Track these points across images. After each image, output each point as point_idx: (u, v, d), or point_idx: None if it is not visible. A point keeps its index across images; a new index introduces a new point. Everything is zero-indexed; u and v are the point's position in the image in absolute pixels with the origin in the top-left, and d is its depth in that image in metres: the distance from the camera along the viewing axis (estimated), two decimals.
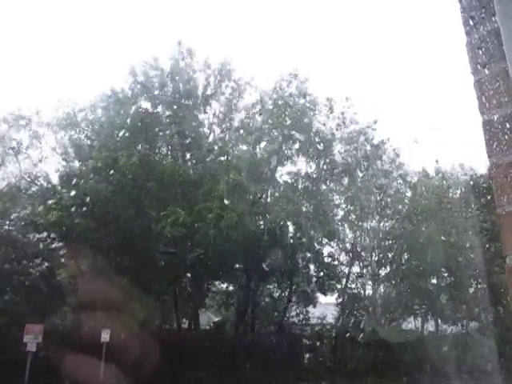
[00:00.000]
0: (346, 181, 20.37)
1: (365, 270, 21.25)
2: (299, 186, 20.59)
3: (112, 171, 16.40)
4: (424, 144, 29.22)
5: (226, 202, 16.47)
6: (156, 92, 20.30)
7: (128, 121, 17.86)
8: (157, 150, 19.68)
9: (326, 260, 20.62)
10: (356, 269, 21.28)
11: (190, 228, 15.74)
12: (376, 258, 21.19)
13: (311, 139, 19.62)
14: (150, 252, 16.87)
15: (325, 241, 20.71)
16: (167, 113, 19.90)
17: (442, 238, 18.80)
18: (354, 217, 21.33)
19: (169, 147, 20.10)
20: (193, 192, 17.65)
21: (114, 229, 16.79)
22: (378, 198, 20.89)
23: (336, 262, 21.02)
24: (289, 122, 19.05)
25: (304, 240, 19.72)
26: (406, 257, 20.67)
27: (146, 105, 20.03)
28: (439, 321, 21.22)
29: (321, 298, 20.98)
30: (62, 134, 19.56)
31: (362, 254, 21.36)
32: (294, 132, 19.25)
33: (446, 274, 20.04)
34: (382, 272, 21.06)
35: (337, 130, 20.36)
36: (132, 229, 16.73)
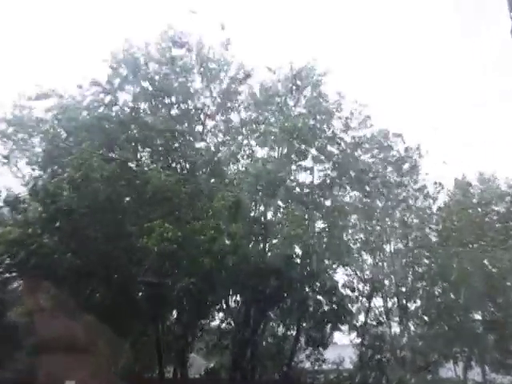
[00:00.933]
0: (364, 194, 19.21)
1: (390, 303, 19.99)
2: (309, 198, 19.45)
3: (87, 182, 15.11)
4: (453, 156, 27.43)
5: (221, 222, 15.50)
6: (141, 85, 18.78)
7: (105, 123, 16.70)
8: (140, 157, 18.39)
9: (342, 291, 19.36)
10: (379, 302, 20.19)
11: (180, 246, 14.85)
12: (403, 289, 19.93)
13: (326, 145, 18.34)
14: (128, 281, 15.76)
15: (340, 268, 19.69)
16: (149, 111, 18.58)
17: (486, 262, 17.01)
18: (373, 238, 19.96)
19: (154, 154, 18.58)
20: (183, 209, 16.58)
21: (86, 251, 15.52)
22: (405, 215, 19.44)
23: (354, 294, 19.73)
24: (300, 124, 17.97)
25: (315, 267, 18.21)
26: (442, 287, 19.41)
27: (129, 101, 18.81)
28: (486, 368, 19.42)
29: (336, 336, 19.80)
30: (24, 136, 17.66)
31: (386, 283, 20.08)
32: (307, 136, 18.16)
33: (492, 309, 18.33)
34: (412, 306, 19.92)
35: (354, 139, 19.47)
36: (108, 251, 15.54)
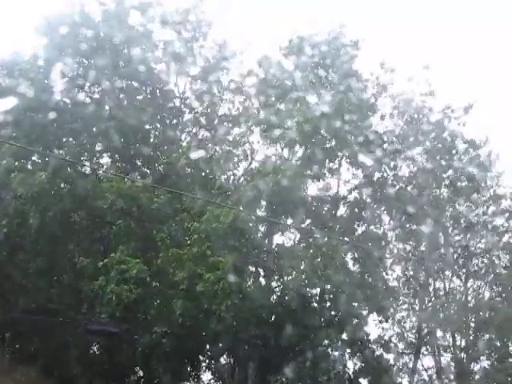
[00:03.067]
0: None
1: (444, 362, 19.31)
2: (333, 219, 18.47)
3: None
4: None
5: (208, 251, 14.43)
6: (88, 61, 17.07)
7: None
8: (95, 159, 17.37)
9: (375, 349, 18.24)
10: (428, 361, 19.14)
11: (148, 286, 14.30)
12: (463, 344, 18.72)
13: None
14: (75, 331, 14.96)
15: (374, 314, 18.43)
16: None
17: None
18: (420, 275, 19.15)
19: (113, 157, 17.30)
20: (155, 231, 15.41)
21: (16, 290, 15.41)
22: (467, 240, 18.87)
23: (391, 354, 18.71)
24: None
25: (337, 314, 17.21)
26: None
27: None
28: None
29: None
30: None
31: (438, 334, 19.29)
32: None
33: None
34: (475, 366, 18.86)
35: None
36: (47, 289, 15.19)
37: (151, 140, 17.42)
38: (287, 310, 16.17)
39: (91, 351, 16.47)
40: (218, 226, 14.38)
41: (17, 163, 14.45)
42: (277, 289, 17.48)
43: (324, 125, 17.05)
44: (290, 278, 16.54)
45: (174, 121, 18.61)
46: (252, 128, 18.65)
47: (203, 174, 17.00)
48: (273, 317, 16.64)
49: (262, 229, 17.40)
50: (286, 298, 16.22)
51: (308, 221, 17.99)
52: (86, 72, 17.05)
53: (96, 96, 17.07)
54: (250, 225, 15.81)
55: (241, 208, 15.65)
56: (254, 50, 20.34)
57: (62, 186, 14.99)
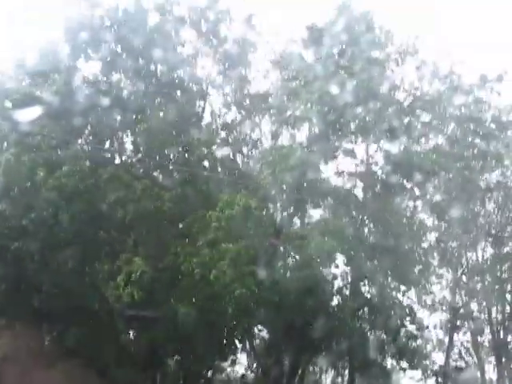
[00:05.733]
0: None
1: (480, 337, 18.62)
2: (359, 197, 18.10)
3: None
4: None
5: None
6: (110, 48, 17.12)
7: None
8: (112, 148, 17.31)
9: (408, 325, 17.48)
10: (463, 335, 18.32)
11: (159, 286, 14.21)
12: (499, 316, 18.01)
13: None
14: (105, 319, 15.36)
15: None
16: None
17: None
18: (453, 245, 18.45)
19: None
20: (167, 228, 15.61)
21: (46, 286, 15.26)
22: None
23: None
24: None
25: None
26: None
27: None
28: None
29: None
30: None
31: (473, 308, 18.66)
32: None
33: None
34: None
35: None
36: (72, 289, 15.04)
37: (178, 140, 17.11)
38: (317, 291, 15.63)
39: (127, 337, 16.46)
40: (231, 212, 14.08)
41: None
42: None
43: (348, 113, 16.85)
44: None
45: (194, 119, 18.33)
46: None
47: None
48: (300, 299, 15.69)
49: (284, 214, 17.17)
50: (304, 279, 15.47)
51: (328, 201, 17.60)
52: (109, 75, 17.30)
53: (120, 101, 16.81)
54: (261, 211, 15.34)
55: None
56: (274, 42, 19.32)
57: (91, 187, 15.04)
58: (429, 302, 18.72)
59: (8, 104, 15.67)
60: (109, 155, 17.16)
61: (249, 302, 14.17)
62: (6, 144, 15.40)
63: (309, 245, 15.26)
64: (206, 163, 16.67)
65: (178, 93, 17.95)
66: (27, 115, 13.86)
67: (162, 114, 16.76)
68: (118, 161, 17.23)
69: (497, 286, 18.35)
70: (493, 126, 18.78)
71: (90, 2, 17.06)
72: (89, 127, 16.27)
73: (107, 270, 14.40)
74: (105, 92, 16.12)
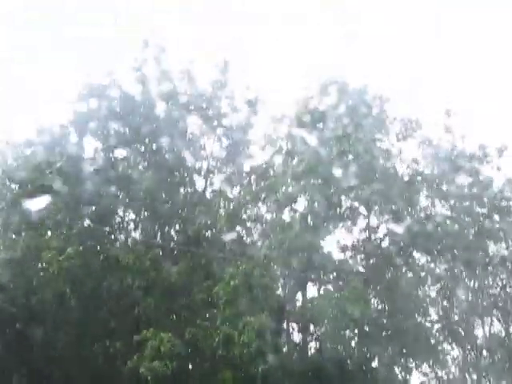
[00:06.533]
0: None
1: None
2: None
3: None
4: None
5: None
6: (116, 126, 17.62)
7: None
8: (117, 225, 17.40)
9: None
10: None
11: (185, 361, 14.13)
12: None
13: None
14: None
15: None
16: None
17: None
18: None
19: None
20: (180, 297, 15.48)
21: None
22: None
23: None
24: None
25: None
26: None
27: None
28: None
29: None
30: None
31: None
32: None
33: None
34: None
35: None
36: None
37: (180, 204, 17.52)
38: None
39: None
40: (235, 284, 14.05)
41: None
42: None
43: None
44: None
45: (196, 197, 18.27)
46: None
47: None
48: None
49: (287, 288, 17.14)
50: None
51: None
52: (115, 158, 17.55)
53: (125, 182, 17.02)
54: (266, 279, 15.14)
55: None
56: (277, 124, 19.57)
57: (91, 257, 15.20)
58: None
59: (19, 193, 16.30)
60: (112, 236, 17.30)
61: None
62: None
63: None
64: (208, 234, 16.75)
65: (182, 171, 18.18)
66: (37, 204, 14.13)
67: (164, 194, 17.04)
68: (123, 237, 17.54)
69: (507, 365, 17.75)
70: (495, 202, 18.60)
71: (98, 93, 17.49)
72: (93, 208, 16.42)
73: (122, 345, 14.22)
74: (110, 178, 16.30)
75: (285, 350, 16.65)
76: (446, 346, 18.10)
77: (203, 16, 37.74)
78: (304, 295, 17.70)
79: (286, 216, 17.91)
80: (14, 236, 16.00)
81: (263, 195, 17.81)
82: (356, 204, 17.81)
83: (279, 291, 17.01)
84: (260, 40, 32.80)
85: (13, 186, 17.04)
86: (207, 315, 14.92)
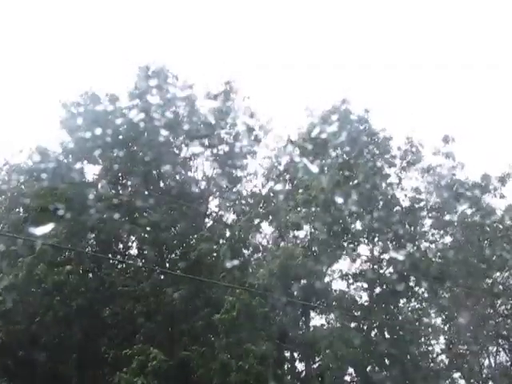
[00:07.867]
0: None
1: None
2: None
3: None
4: None
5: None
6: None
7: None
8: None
9: None
10: None
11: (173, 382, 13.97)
12: None
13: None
14: None
15: None
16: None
17: None
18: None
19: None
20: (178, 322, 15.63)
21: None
22: None
23: None
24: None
25: None
26: None
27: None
28: None
29: None
30: None
31: None
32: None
33: None
34: None
35: None
36: None
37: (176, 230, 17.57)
38: None
39: None
40: (235, 314, 13.93)
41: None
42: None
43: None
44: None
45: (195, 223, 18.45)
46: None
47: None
48: None
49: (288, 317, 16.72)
50: None
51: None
52: (116, 184, 17.92)
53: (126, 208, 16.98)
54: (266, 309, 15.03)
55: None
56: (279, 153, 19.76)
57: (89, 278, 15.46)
58: None
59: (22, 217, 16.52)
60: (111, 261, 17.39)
61: None
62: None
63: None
64: (209, 260, 16.56)
65: (184, 198, 18.20)
66: (41, 230, 14.01)
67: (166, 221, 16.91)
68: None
69: None
70: (497, 231, 18.46)
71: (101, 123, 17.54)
72: (96, 232, 16.61)
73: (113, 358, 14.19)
74: (113, 205, 16.35)
75: (287, 378, 16.49)
76: (450, 376, 17.79)
77: (205, 42, 39.34)
78: (307, 324, 17.60)
79: (288, 244, 17.77)
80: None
81: (265, 222, 17.92)
82: (358, 231, 17.76)
83: (281, 319, 16.72)
84: (264, 69, 33.55)
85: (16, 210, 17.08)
86: (207, 341, 14.80)
